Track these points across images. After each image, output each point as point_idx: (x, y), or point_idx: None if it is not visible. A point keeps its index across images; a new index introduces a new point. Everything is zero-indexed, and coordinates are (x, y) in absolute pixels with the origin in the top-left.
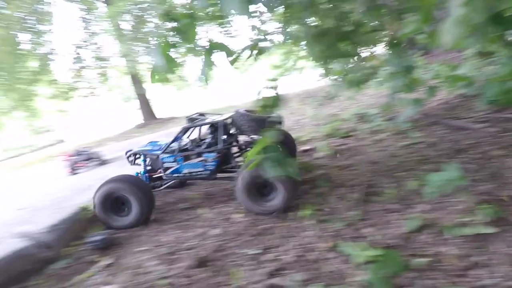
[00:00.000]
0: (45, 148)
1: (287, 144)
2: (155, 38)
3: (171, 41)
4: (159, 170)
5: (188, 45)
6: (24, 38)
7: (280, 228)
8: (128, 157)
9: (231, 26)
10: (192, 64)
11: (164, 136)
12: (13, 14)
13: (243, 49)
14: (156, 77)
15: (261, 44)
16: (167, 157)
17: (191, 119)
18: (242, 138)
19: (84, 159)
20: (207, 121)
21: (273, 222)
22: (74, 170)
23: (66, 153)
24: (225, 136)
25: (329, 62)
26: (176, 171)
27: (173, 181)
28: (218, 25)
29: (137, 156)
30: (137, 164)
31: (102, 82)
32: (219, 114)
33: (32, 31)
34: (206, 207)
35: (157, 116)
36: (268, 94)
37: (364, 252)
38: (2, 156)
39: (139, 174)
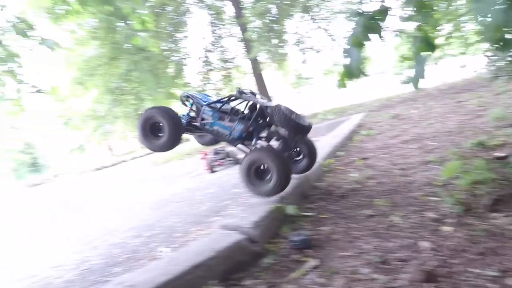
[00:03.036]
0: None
1: (309, 152)
2: (346, 37)
3: (361, 39)
4: (198, 118)
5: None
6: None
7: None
8: (182, 97)
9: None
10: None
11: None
12: (159, 25)
13: None
14: (346, 78)
15: None
16: (208, 110)
17: (240, 92)
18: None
19: (221, 157)
20: (250, 98)
21: (499, 241)
22: (212, 168)
23: (204, 151)
24: (254, 117)
25: None
26: (209, 124)
27: (202, 134)
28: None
29: (189, 98)
30: (185, 104)
31: (226, 83)
32: (269, 101)
33: (172, 39)
34: (397, 215)
35: None
36: None
37: None
38: (142, 152)
39: (183, 115)
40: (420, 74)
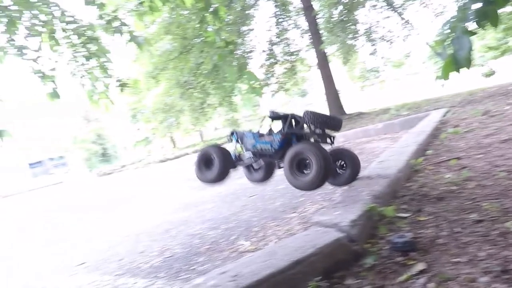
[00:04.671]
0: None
1: (350, 162)
2: (449, 23)
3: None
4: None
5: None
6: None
7: None
8: (227, 135)
9: None
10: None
11: (356, 133)
12: (225, 18)
13: None
14: (452, 69)
15: None
16: (250, 134)
17: (273, 112)
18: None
19: None
20: (283, 113)
21: None
22: (279, 163)
23: None
24: (288, 124)
25: None
26: (252, 145)
27: (251, 161)
28: None
29: (233, 134)
30: (231, 140)
31: (290, 76)
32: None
33: (237, 32)
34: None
35: (347, 111)
36: None
37: None
38: (203, 146)
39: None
40: None
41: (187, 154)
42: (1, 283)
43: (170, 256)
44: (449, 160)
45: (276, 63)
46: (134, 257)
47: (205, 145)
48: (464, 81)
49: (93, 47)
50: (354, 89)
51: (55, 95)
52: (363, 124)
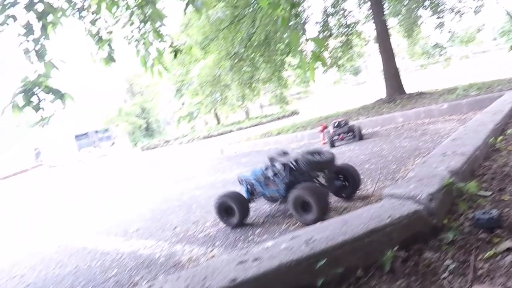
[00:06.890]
0: (281, 119)
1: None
2: None
3: None
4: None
5: None
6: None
7: None
8: (239, 181)
9: None
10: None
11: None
12: None
13: None
14: None
15: None
16: (257, 183)
17: (271, 159)
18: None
19: (343, 131)
20: (281, 159)
21: None
22: (333, 142)
23: (323, 124)
24: (289, 170)
25: None
26: (262, 193)
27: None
28: None
29: (242, 181)
30: (242, 185)
31: (345, 51)
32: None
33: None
34: None
35: (406, 91)
36: None
37: None
38: (248, 124)
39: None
40: None
41: (232, 131)
42: (61, 245)
43: (225, 226)
44: None
45: (330, 35)
46: (188, 226)
47: (220, 194)
48: None
49: (148, 11)
50: (414, 67)
51: (110, 59)
52: (425, 104)
